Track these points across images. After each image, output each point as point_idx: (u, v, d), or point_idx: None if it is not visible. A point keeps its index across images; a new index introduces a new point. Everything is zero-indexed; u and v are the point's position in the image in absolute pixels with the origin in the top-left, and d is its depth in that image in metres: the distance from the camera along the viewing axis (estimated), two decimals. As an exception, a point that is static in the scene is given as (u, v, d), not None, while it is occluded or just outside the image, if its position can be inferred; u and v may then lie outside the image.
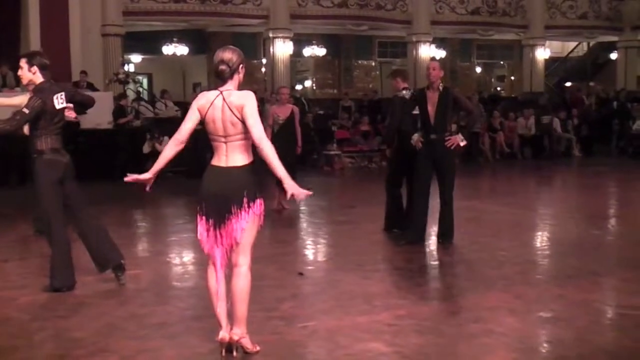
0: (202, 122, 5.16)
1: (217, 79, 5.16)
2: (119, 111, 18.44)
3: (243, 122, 4.97)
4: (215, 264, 5.14)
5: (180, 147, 5.26)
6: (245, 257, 5.13)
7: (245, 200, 5.03)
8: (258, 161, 5.18)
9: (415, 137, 9.30)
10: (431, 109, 9.15)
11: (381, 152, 17.30)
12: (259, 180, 5.17)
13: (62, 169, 7.25)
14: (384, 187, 10.22)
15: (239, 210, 5.03)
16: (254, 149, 5.08)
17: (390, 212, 10.11)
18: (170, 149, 5.27)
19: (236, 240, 5.07)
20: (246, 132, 5.01)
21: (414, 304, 6.72)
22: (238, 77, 5.14)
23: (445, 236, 9.28)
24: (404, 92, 9.96)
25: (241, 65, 5.14)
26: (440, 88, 9.17)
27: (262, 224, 5.21)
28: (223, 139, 5.07)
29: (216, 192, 5.07)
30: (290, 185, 4.95)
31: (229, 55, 5.11)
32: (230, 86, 5.11)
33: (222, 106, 5.01)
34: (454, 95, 9.28)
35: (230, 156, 5.08)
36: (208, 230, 5.13)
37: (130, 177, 5.36)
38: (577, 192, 15.98)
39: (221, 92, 5.07)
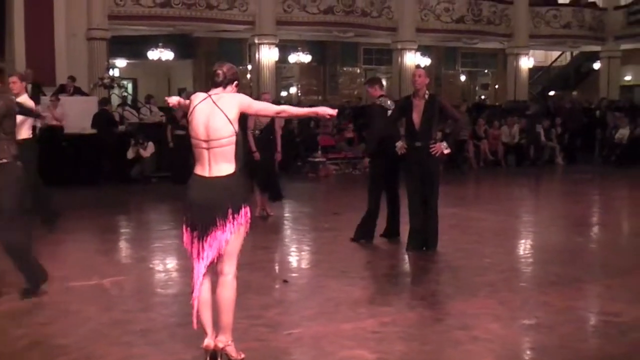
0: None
1: (211, 83, 5.17)
2: (103, 116, 18.30)
3: (233, 125, 4.98)
4: (200, 274, 5.11)
5: None
6: (231, 266, 5.11)
7: (229, 211, 5.00)
8: (242, 167, 5.19)
9: (399, 144, 9.32)
10: (417, 117, 9.14)
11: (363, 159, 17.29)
12: (244, 187, 5.17)
13: None
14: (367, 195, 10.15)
15: (223, 222, 5.00)
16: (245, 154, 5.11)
17: (365, 221, 9.96)
18: None
19: (219, 251, 5.05)
20: (231, 137, 5.00)
21: (399, 310, 6.73)
22: (230, 90, 5.14)
23: (429, 243, 9.29)
24: (381, 99, 9.90)
25: (236, 82, 5.18)
26: (426, 96, 9.16)
27: (247, 232, 5.19)
28: (205, 144, 5.01)
29: (200, 204, 5.02)
30: (324, 110, 5.20)
31: (227, 67, 5.18)
32: (220, 92, 5.11)
33: (210, 109, 4.99)
34: (440, 103, 9.27)
35: (214, 165, 5.03)
36: (192, 241, 5.11)
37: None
38: (560, 200, 16.03)
39: (209, 96, 5.07)
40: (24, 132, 10.00)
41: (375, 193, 9.89)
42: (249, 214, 5.13)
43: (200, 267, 5.07)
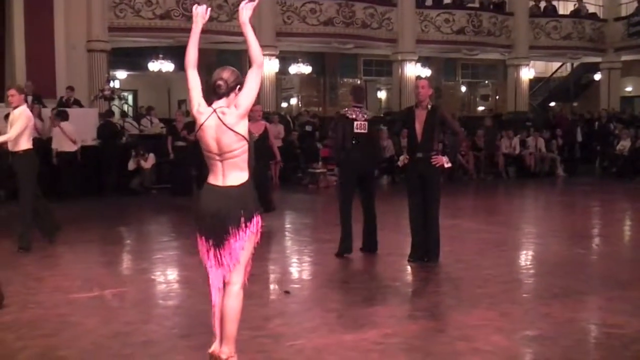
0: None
1: (213, 95, 5.13)
2: (108, 127, 18.31)
3: (243, 137, 4.99)
4: (219, 281, 5.10)
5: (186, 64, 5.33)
6: (239, 276, 5.10)
7: (242, 220, 5.01)
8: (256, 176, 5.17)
9: (402, 157, 9.36)
10: (419, 127, 9.15)
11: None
12: (255, 195, 5.16)
13: None
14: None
15: (236, 230, 5.01)
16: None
17: (345, 234, 9.86)
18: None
19: (237, 259, 5.05)
20: (243, 147, 5.01)
21: (401, 322, 6.72)
22: (234, 97, 5.10)
23: (430, 254, 9.27)
24: (346, 109, 9.87)
25: (238, 87, 5.12)
26: (429, 107, 9.17)
27: (258, 242, 5.19)
28: (218, 157, 5.03)
29: (213, 213, 5.03)
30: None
31: (227, 74, 5.14)
32: (224, 104, 5.08)
33: (217, 126, 4.97)
34: (442, 115, 9.28)
35: (227, 175, 5.04)
36: (208, 250, 5.10)
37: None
38: (561, 211, 16.02)
39: (214, 110, 5.04)
40: (24, 143, 9.99)
41: (344, 205, 9.87)
42: (260, 223, 5.13)
43: (218, 275, 5.08)
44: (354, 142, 9.61)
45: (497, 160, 22.62)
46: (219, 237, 5.03)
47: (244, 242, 5.04)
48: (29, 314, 7.06)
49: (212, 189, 5.10)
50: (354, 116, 9.69)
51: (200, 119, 5.05)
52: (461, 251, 10.18)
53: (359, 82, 30.58)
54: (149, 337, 6.20)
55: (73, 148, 16.72)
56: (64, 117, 16.74)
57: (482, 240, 11.31)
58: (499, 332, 6.28)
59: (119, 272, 9.46)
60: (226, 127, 4.95)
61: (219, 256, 5.06)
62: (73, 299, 7.56)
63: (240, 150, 5.01)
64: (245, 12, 5.11)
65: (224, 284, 5.12)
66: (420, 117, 9.17)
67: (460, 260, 9.54)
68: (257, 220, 5.10)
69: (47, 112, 17.49)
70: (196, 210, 5.17)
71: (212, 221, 5.03)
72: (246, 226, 5.03)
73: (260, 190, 5.09)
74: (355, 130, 9.63)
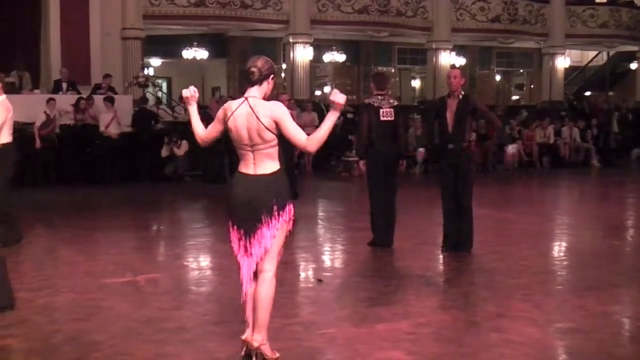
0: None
1: (246, 82, 5.09)
2: (144, 113, 18.46)
3: (271, 131, 4.92)
4: (250, 269, 5.10)
5: (201, 141, 5.33)
6: (272, 264, 5.09)
7: (275, 208, 4.99)
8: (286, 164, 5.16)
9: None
10: (450, 117, 9.04)
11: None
12: (288, 184, 5.14)
13: None
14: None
15: (269, 219, 4.99)
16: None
17: (376, 225, 9.67)
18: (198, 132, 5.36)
19: (267, 248, 5.04)
20: (273, 140, 4.97)
21: (433, 312, 6.69)
22: (267, 86, 5.07)
23: (463, 244, 9.21)
24: (372, 99, 9.66)
25: (272, 76, 5.09)
26: (461, 96, 9.06)
27: (290, 230, 5.17)
28: (249, 148, 5.01)
29: (245, 201, 5.02)
30: (335, 96, 4.83)
31: (261, 62, 5.06)
32: (257, 93, 5.03)
33: (248, 114, 4.94)
34: (474, 104, 9.16)
35: (259, 164, 5.02)
36: (240, 239, 5.10)
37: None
38: (595, 202, 15.89)
39: (246, 99, 5.01)
40: (4, 137, 9.27)
41: (373, 196, 9.64)
42: (292, 211, 5.11)
43: (249, 264, 5.08)
44: (380, 131, 9.44)
45: (531, 150, 22.43)
46: (250, 226, 5.02)
47: (276, 230, 5.02)
48: (62, 298, 7.12)
49: (243, 177, 5.08)
50: (377, 104, 9.52)
51: (231, 108, 5.04)
52: (495, 242, 10.13)
53: (393, 70, 30.50)
54: (181, 323, 6.21)
55: (118, 132, 17.30)
56: (113, 102, 17.35)
57: (516, 231, 11.24)
58: (532, 324, 6.23)
59: (152, 258, 9.51)
60: (255, 116, 4.92)
61: (248, 246, 5.05)
62: (105, 284, 7.61)
63: (271, 143, 4.97)
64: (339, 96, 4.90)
65: (256, 273, 5.11)
66: (452, 106, 9.05)
67: (494, 250, 9.48)
68: (289, 208, 5.08)
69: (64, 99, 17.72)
70: (228, 198, 5.15)
71: (244, 210, 5.01)
72: (279, 214, 5.01)
73: (288, 175, 5.05)
74: (382, 119, 9.42)
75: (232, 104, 5.10)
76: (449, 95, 9.17)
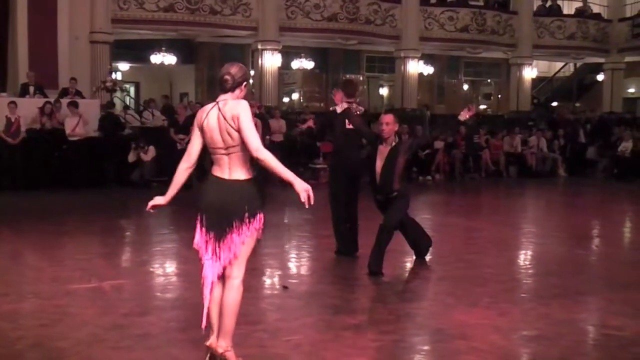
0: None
1: (219, 89, 5.12)
2: (110, 119, 18.37)
3: (239, 131, 4.94)
4: (213, 274, 5.09)
5: (190, 170, 5.22)
6: (240, 270, 5.10)
7: (246, 215, 5.00)
8: (258, 172, 5.16)
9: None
10: (379, 165, 8.61)
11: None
12: (260, 193, 5.14)
13: None
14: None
15: (240, 225, 5.01)
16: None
17: (339, 234, 9.59)
18: (181, 174, 5.19)
19: (235, 254, 5.04)
20: (242, 144, 4.98)
21: (399, 319, 6.70)
22: (239, 93, 5.11)
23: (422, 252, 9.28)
24: (337, 106, 9.50)
25: (244, 83, 5.13)
26: (394, 144, 8.60)
27: (260, 238, 5.18)
28: (224, 151, 5.02)
29: (218, 205, 5.03)
30: (301, 187, 4.87)
31: (235, 69, 5.10)
32: (229, 98, 5.07)
33: (217, 116, 4.98)
34: (406, 145, 8.69)
35: (233, 169, 5.04)
36: (207, 243, 5.09)
37: (150, 205, 5.26)
38: (561, 212, 16.02)
39: (217, 103, 5.05)
40: None
41: (335, 205, 9.58)
42: (263, 221, 5.12)
43: (214, 268, 5.07)
44: (345, 138, 9.38)
45: (498, 159, 22.58)
46: (221, 230, 5.02)
47: (245, 237, 5.03)
48: (27, 304, 7.07)
49: (217, 181, 5.08)
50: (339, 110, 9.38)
51: (205, 110, 5.08)
52: (461, 250, 10.19)
53: (361, 78, 30.54)
54: (146, 330, 6.18)
55: (83, 137, 17.25)
56: (77, 106, 17.29)
57: (482, 240, 11.30)
58: (497, 332, 6.26)
59: (118, 264, 9.45)
60: (223, 118, 4.95)
61: (217, 250, 5.05)
62: (71, 290, 7.55)
63: (243, 146, 4.97)
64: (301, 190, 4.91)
65: (222, 277, 5.11)
66: (383, 153, 8.62)
67: (460, 259, 9.53)
68: (260, 217, 5.09)
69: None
70: (200, 199, 5.15)
71: (216, 214, 5.03)
72: (250, 222, 5.02)
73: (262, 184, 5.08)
74: (347, 127, 9.31)
75: (205, 108, 5.14)
76: (381, 142, 8.65)
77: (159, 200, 5.22)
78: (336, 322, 6.47)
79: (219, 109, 4.99)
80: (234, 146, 4.98)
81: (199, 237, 5.13)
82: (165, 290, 7.93)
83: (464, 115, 8.75)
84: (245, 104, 5.02)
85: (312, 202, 4.89)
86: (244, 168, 5.05)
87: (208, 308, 5.11)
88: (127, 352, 5.61)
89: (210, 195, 5.08)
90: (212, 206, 5.05)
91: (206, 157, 5.25)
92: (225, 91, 5.08)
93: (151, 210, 5.28)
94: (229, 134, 4.95)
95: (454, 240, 10.50)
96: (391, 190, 8.61)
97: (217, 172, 5.10)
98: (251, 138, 4.89)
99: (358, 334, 6.13)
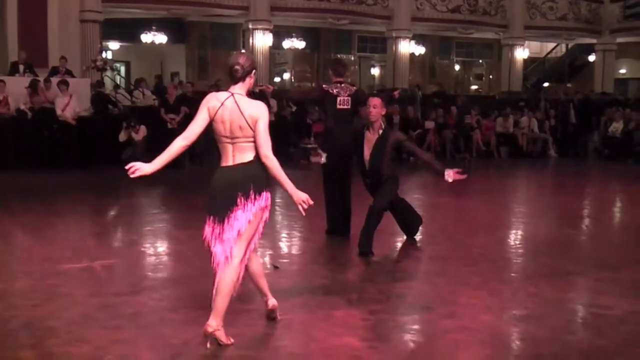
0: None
1: (230, 79, 5.25)
2: (101, 98, 18.31)
3: (252, 128, 5.08)
4: (220, 258, 5.13)
5: (185, 148, 5.30)
6: (240, 250, 5.18)
7: (251, 192, 5.12)
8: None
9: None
10: (367, 152, 8.63)
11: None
12: (266, 172, 5.21)
13: None
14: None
15: (245, 201, 5.11)
16: None
17: (331, 216, 9.58)
18: (175, 147, 5.25)
19: (240, 231, 5.11)
20: (252, 136, 5.13)
21: (389, 298, 6.72)
22: (249, 82, 5.26)
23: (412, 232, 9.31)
24: (331, 86, 9.55)
25: (253, 71, 5.27)
26: (381, 131, 8.55)
27: (267, 219, 5.32)
28: (229, 140, 5.16)
29: (222, 187, 5.17)
30: (298, 199, 5.25)
31: (243, 59, 5.26)
32: (241, 90, 5.22)
33: (232, 108, 5.10)
34: (396, 141, 8.63)
35: (237, 155, 5.18)
36: (213, 230, 5.18)
37: (132, 170, 5.26)
38: (552, 192, 16.06)
39: (232, 94, 5.16)
40: None
41: (328, 186, 9.56)
42: (269, 200, 5.23)
43: (222, 249, 5.15)
44: (336, 119, 9.38)
45: (489, 140, 22.60)
46: (225, 210, 5.12)
47: (251, 215, 5.12)
48: (18, 283, 7.06)
49: (223, 169, 5.23)
50: (335, 92, 9.45)
51: (219, 98, 5.17)
52: (451, 230, 10.22)
53: (352, 58, 30.50)
54: (137, 309, 6.19)
55: (74, 116, 17.09)
56: (67, 86, 17.12)
57: (472, 220, 11.34)
58: (487, 311, 6.29)
59: (109, 244, 9.44)
60: (240, 112, 5.08)
61: (221, 232, 5.14)
62: (62, 270, 7.55)
63: (250, 137, 5.13)
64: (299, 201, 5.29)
65: (225, 262, 5.18)
66: (370, 141, 8.61)
67: (450, 239, 9.57)
68: (266, 196, 5.21)
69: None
70: (208, 193, 5.26)
71: (221, 195, 5.15)
72: (255, 199, 5.13)
73: None
74: (338, 107, 9.35)
75: (218, 96, 5.23)
76: (368, 127, 8.66)
77: (144, 169, 5.23)
78: (326, 302, 6.49)
79: (236, 102, 5.11)
80: (239, 137, 5.12)
81: (207, 228, 5.23)
82: (156, 269, 7.92)
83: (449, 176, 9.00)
84: (265, 109, 5.16)
85: (311, 203, 5.34)
86: (249, 153, 5.17)
87: (245, 280, 5.37)
88: (118, 331, 5.61)
89: (215, 182, 5.22)
90: (217, 189, 5.19)
91: (214, 148, 5.35)
92: (235, 81, 5.22)
93: (132, 175, 5.29)
94: (240, 127, 5.08)
95: (444, 220, 10.52)
96: (380, 175, 8.65)
97: (223, 162, 5.24)
98: (264, 144, 5.10)
99: (348, 313, 6.15)
